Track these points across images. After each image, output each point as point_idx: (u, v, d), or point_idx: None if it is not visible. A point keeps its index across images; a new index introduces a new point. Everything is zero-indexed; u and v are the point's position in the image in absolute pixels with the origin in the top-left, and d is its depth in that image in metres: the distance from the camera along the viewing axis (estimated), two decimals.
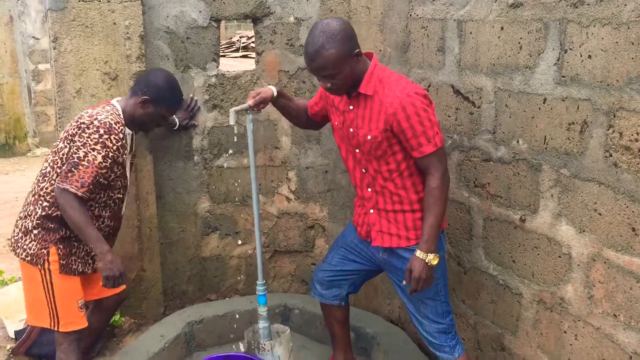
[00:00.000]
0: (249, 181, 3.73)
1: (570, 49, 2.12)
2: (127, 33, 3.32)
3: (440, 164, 2.32)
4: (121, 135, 2.68)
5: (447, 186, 2.35)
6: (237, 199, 3.82)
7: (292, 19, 3.60)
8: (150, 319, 3.67)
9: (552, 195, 2.29)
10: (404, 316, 3.42)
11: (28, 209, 2.72)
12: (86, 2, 3.22)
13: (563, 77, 2.17)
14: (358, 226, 2.66)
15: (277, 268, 3.98)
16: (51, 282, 2.67)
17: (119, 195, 2.80)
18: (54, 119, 3.85)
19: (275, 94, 2.68)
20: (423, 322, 2.50)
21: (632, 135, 1.92)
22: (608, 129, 2.01)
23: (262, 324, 2.78)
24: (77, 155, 2.57)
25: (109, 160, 2.62)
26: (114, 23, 3.29)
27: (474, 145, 2.70)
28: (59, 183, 2.55)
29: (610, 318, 2.10)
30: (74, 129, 2.64)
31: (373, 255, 2.62)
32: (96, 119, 2.63)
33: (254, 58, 3.78)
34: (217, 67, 3.65)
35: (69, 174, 2.55)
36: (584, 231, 2.17)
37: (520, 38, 2.35)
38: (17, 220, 2.80)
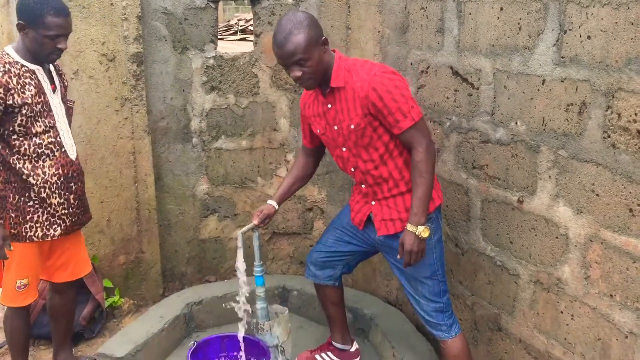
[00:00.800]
0: (248, 163, 3.74)
1: (570, 30, 2.11)
2: (125, 14, 3.30)
3: (422, 137, 2.33)
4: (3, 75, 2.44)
5: (432, 158, 2.34)
6: (235, 181, 3.82)
7: (290, 0, 3.58)
8: (149, 300, 3.70)
9: (550, 176, 2.30)
10: (402, 297, 3.44)
11: None
12: None
13: (562, 58, 2.17)
14: (352, 212, 2.68)
15: (275, 250, 4.00)
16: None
17: (51, 139, 2.59)
18: None
19: (277, 207, 2.77)
20: (420, 301, 2.52)
21: (631, 116, 1.92)
22: (606, 110, 2.01)
23: (260, 305, 2.80)
24: None
25: None
26: (111, 4, 3.27)
27: (472, 127, 2.70)
28: None
29: (606, 298, 2.12)
30: None
31: (369, 237, 2.64)
32: None
33: (252, 41, 3.76)
34: (215, 49, 3.63)
35: None
36: (581, 212, 2.17)
37: (520, 19, 2.33)
38: None
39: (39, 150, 2.56)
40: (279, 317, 2.81)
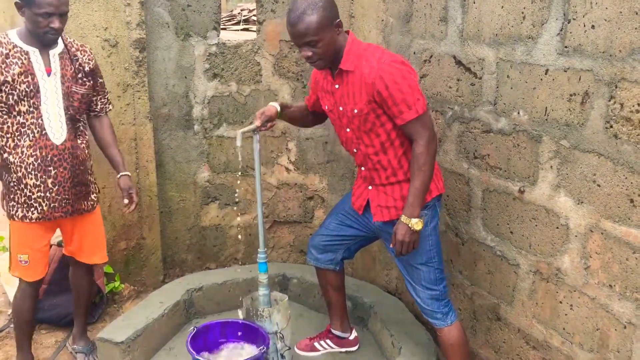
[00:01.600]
0: (250, 151, 3.74)
1: (574, 19, 2.11)
2: None
3: (425, 130, 2.32)
4: None
5: (432, 152, 2.34)
6: (237, 169, 3.82)
7: None
8: (149, 286, 3.71)
9: (551, 166, 2.30)
10: (401, 287, 3.45)
11: None
12: None
13: (566, 47, 2.16)
14: (353, 196, 2.69)
15: (276, 238, 4.01)
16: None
17: (33, 120, 2.59)
18: None
19: (279, 109, 2.71)
20: (417, 287, 2.53)
21: (633, 106, 1.92)
22: (609, 100, 2.01)
23: (262, 292, 2.81)
24: None
25: None
26: None
27: (474, 117, 2.69)
28: None
29: (605, 288, 2.12)
30: None
31: (368, 222, 2.64)
32: None
33: (254, 31, 3.75)
34: (218, 36, 3.62)
35: None
36: (582, 202, 2.18)
37: (524, 8, 2.33)
38: None
39: (22, 130, 2.60)
40: (279, 304, 2.82)
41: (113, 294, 3.63)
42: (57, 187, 2.69)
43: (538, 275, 2.44)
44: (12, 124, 2.59)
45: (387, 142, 2.41)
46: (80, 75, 2.73)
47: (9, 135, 2.61)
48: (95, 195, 2.89)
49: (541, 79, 2.29)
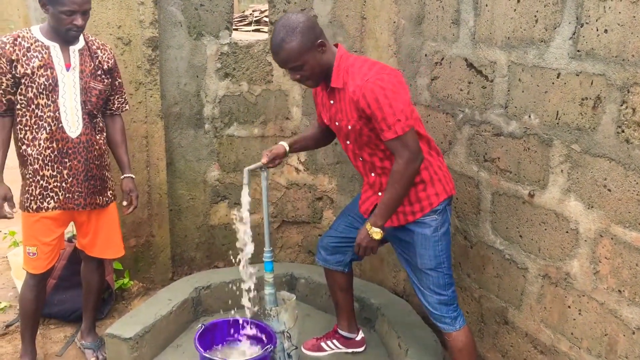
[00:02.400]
0: (259, 151, 3.75)
1: (587, 23, 2.10)
2: None
3: (405, 150, 2.28)
4: (6, 46, 2.58)
5: (410, 172, 2.30)
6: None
7: None
8: (158, 283, 3.73)
9: (562, 170, 2.29)
10: (409, 289, 3.45)
11: None
12: None
13: (578, 51, 2.15)
14: (360, 200, 2.69)
15: (284, 238, 4.01)
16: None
17: (50, 114, 2.63)
18: None
19: (288, 148, 2.74)
20: (425, 292, 2.53)
21: None
22: (621, 105, 2.00)
23: (268, 291, 2.81)
24: None
25: None
26: None
27: (485, 120, 2.69)
28: None
29: (614, 294, 2.11)
30: None
31: None
32: None
33: (266, 32, 3.76)
34: (230, 36, 3.64)
35: None
36: (592, 207, 2.17)
37: (537, 11, 2.32)
38: None
39: (40, 122, 2.65)
40: (286, 304, 2.83)
41: (122, 290, 3.65)
42: (71, 179, 2.74)
43: (547, 280, 2.43)
44: (31, 117, 2.64)
45: (388, 150, 2.41)
46: (99, 72, 2.78)
47: (27, 128, 2.65)
48: (111, 192, 2.94)
49: (553, 83, 2.28)
